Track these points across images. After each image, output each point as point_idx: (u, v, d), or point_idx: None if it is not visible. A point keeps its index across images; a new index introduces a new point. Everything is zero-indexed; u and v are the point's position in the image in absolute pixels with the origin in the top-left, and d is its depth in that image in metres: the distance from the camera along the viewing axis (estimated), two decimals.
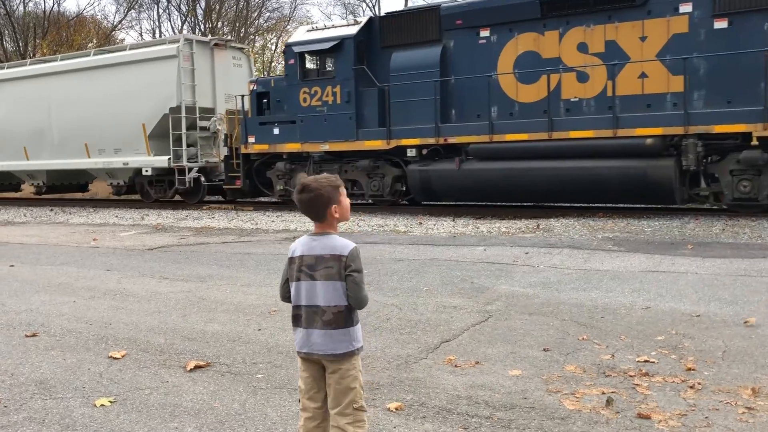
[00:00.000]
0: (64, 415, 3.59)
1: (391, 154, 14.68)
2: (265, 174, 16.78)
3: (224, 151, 17.84)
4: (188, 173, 17.79)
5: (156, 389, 3.99)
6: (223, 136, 17.81)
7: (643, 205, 13.96)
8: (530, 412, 3.51)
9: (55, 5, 41.85)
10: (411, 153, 14.34)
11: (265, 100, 16.55)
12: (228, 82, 18.87)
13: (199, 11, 40.85)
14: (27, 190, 25.84)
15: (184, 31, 38.93)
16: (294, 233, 11.95)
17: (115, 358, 4.61)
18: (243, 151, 16.56)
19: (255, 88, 16.79)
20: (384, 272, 7.65)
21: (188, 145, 17.95)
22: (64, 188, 22.65)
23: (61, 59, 20.93)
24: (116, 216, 16.70)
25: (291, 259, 2.77)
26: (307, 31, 16.03)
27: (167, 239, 11.62)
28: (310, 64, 15.56)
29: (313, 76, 15.40)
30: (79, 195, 24.16)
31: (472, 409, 3.57)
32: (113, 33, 42.88)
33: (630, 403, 3.58)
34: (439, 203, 15.55)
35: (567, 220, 12.28)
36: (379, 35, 14.83)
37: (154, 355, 4.70)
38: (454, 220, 13.19)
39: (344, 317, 2.71)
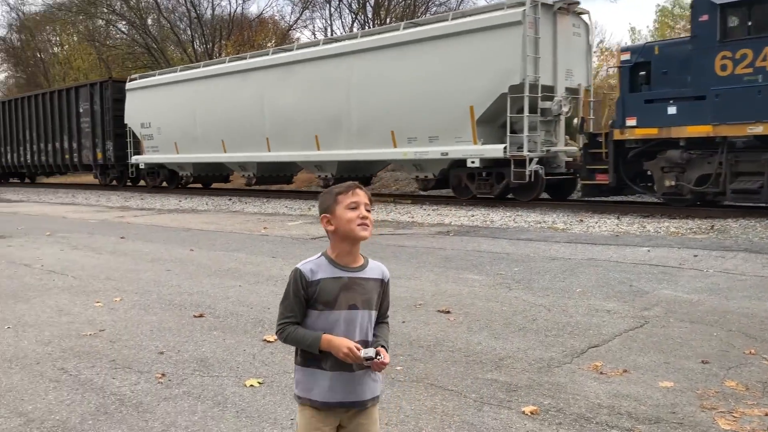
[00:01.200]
0: (218, 393, 3.88)
1: None
2: (637, 166, 13.72)
3: (562, 138, 15.46)
4: (528, 165, 14.74)
5: None
6: (579, 121, 15.07)
7: None
8: (677, 428, 3.26)
9: (238, 8, 45.09)
10: None
11: (642, 73, 13.43)
12: (567, 55, 15.68)
13: (369, 9, 42.06)
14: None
15: (355, 29, 40.19)
16: (449, 227, 11.99)
17: (269, 342, 4.89)
18: (616, 137, 13.38)
19: (629, 57, 13.66)
20: (535, 271, 7.46)
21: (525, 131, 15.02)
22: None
23: (362, 36, 18.76)
24: (286, 207, 17.70)
25: None
26: None
27: None
28: (733, 20, 11.96)
29: (739, 35, 11.79)
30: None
31: (613, 419, 3.39)
32: (289, 32, 45.43)
33: None
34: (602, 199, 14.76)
35: (747, 220, 11.25)
36: None
37: None
38: (618, 218, 12.56)
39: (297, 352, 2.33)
